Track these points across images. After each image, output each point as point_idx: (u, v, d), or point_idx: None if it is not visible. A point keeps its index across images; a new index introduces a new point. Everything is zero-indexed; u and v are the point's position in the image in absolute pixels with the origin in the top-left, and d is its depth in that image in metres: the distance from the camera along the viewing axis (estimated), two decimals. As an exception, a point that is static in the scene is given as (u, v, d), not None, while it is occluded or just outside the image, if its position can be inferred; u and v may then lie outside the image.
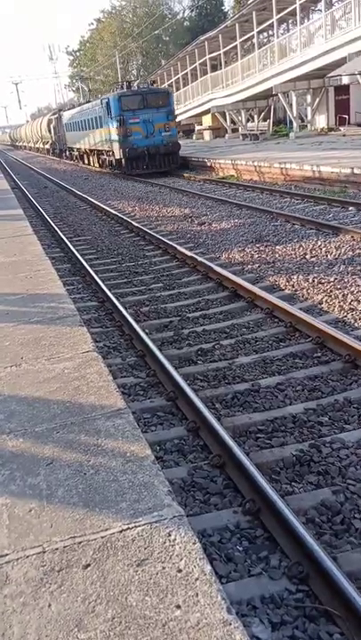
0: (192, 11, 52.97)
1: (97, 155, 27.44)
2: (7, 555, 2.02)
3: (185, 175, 20.90)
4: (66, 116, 35.37)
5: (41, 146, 51.67)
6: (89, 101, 30.20)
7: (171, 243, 9.72)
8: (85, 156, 31.11)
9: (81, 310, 6.26)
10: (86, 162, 31.05)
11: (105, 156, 25.63)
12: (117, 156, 22.52)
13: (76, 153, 34.43)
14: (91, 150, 28.64)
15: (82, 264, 8.97)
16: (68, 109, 36.47)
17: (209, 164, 20.95)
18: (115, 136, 22.23)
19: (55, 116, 40.26)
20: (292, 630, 2.45)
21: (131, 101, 21.86)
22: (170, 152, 22.04)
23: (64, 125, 36.16)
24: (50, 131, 42.14)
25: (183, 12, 55.13)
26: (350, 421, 4.06)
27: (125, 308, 6.57)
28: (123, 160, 22.11)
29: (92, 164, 29.29)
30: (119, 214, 13.55)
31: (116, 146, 22.40)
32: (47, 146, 47.00)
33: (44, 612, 1.76)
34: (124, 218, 12.94)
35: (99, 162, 27.31)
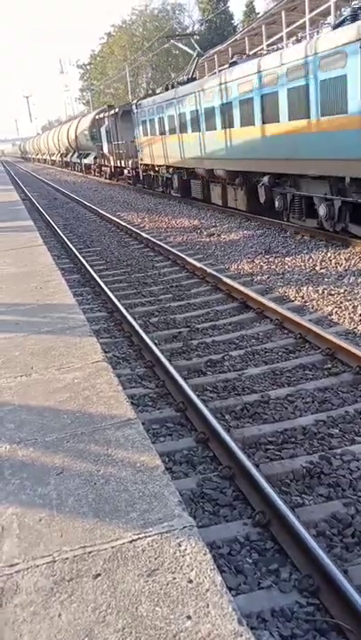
0: (202, 25, 53.48)
1: (265, 188, 11.72)
2: (17, 564, 2.01)
3: None
4: (146, 107, 19.63)
5: (74, 160, 35.34)
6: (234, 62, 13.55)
7: (180, 254, 9.75)
8: (202, 183, 15.68)
9: (90, 321, 6.28)
10: (203, 195, 15.62)
11: (310, 192, 10.23)
12: None
13: (166, 175, 18.52)
14: (230, 174, 13.36)
15: (91, 275, 9.01)
16: (149, 95, 20.79)
17: None
18: None
19: (109, 113, 25.19)
20: (302, 644, 2.42)
21: None
22: None
23: (140, 124, 20.73)
24: (94, 137, 27.35)
25: (193, 26, 55.74)
26: (361, 433, 4.04)
27: (135, 319, 6.58)
28: None
29: (225, 201, 14.12)
30: (128, 226, 13.62)
31: None
32: (87, 160, 31.42)
33: (55, 622, 1.76)
34: (133, 229, 13.01)
35: (267, 201, 11.80)
